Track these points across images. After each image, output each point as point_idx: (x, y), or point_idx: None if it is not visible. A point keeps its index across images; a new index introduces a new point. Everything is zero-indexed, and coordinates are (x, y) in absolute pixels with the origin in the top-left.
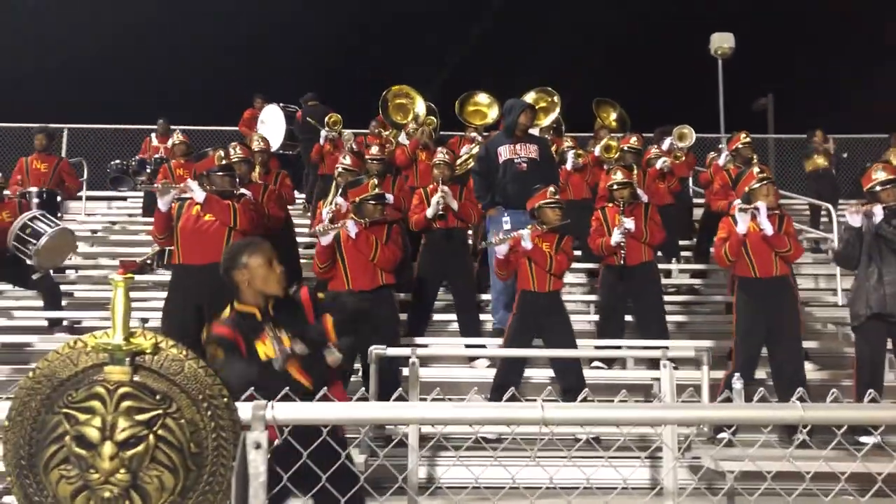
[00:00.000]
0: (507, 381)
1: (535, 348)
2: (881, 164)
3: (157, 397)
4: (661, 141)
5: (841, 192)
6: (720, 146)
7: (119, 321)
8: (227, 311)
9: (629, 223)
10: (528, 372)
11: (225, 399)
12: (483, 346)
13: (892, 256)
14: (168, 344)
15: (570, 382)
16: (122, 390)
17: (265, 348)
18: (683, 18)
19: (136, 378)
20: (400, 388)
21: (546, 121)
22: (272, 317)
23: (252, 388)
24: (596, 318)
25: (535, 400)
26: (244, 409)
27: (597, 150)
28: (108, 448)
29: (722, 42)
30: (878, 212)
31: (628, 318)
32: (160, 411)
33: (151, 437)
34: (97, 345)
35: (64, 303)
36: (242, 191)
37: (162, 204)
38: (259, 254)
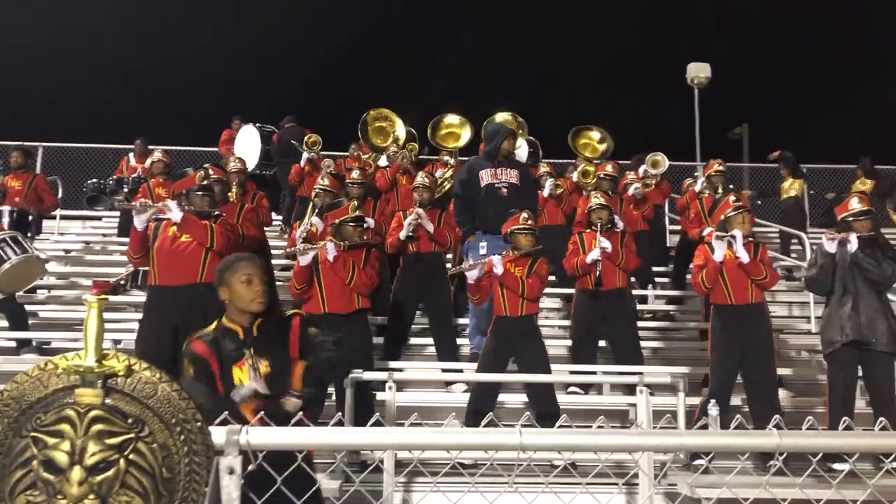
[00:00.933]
0: (481, 406)
1: (510, 373)
2: (857, 195)
3: (130, 421)
4: (638, 168)
5: (809, 222)
6: (696, 174)
7: (91, 342)
8: (214, 324)
9: (606, 243)
10: (502, 397)
11: (199, 423)
12: (460, 371)
13: (866, 285)
14: (141, 366)
15: (544, 407)
16: (93, 413)
17: (241, 374)
18: (661, 48)
19: (108, 401)
20: (378, 414)
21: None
22: (255, 339)
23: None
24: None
25: (512, 425)
26: (218, 434)
27: (574, 176)
28: (76, 473)
29: (698, 72)
30: (853, 240)
31: (601, 343)
32: (132, 435)
33: (122, 461)
34: (69, 367)
35: (31, 322)
36: (219, 212)
37: (138, 223)
38: (239, 271)
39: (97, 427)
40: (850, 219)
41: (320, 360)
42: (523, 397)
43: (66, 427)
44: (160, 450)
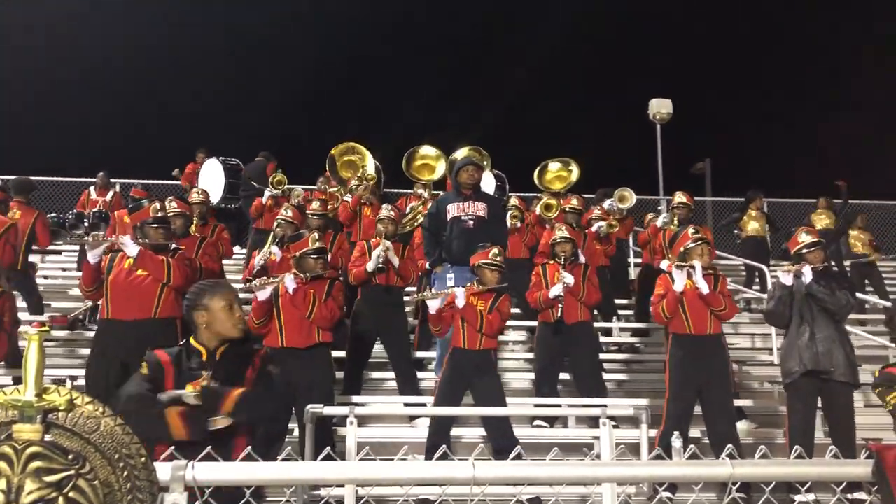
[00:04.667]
0: (440, 441)
1: (469, 406)
2: (805, 228)
3: (70, 457)
4: (602, 202)
5: (771, 255)
6: (659, 208)
7: (31, 377)
8: (183, 341)
9: (569, 278)
10: (459, 431)
11: (143, 458)
12: (423, 405)
13: (823, 315)
14: (84, 400)
15: (500, 443)
16: (31, 450)
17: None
18: (622, 84)
19: (48, 437)
20: (328, 448)
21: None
22: (216, 363)
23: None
24: None
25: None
26: (163, 470)
27: (537, 210)
28: None
29: (660, 107)
30: (808, 272)
31: (564, 375)
32: (72, 472)
33: (61, 499)
34: (6, 401)
35: None
36: (175, 245)
37: (91, 257)
38: (220, 296)
39: (35, 464)
40: (804, 251)
41: (257, 406)
42: (479, 431)
43: (2, 465)
44: (102, 487)
